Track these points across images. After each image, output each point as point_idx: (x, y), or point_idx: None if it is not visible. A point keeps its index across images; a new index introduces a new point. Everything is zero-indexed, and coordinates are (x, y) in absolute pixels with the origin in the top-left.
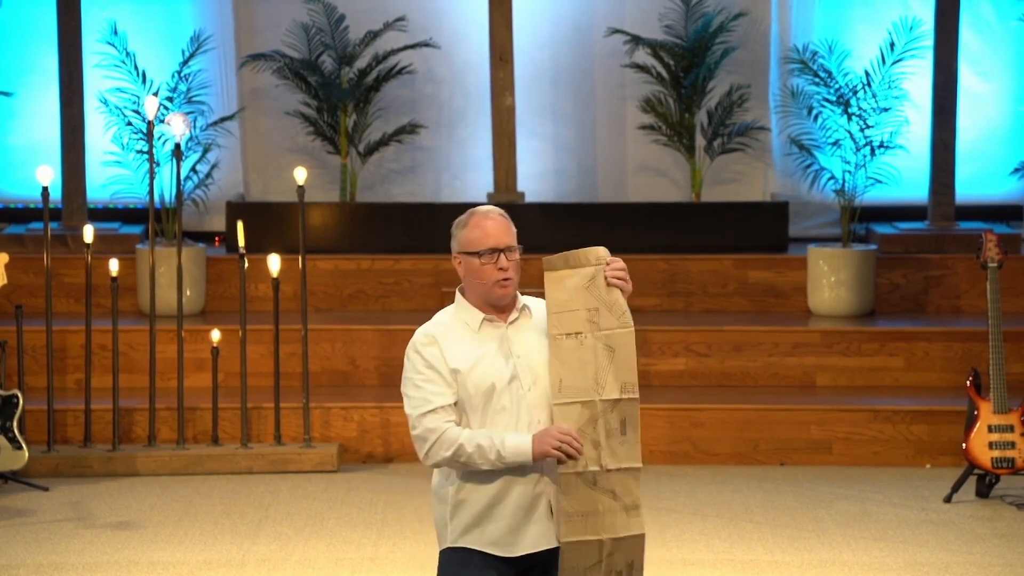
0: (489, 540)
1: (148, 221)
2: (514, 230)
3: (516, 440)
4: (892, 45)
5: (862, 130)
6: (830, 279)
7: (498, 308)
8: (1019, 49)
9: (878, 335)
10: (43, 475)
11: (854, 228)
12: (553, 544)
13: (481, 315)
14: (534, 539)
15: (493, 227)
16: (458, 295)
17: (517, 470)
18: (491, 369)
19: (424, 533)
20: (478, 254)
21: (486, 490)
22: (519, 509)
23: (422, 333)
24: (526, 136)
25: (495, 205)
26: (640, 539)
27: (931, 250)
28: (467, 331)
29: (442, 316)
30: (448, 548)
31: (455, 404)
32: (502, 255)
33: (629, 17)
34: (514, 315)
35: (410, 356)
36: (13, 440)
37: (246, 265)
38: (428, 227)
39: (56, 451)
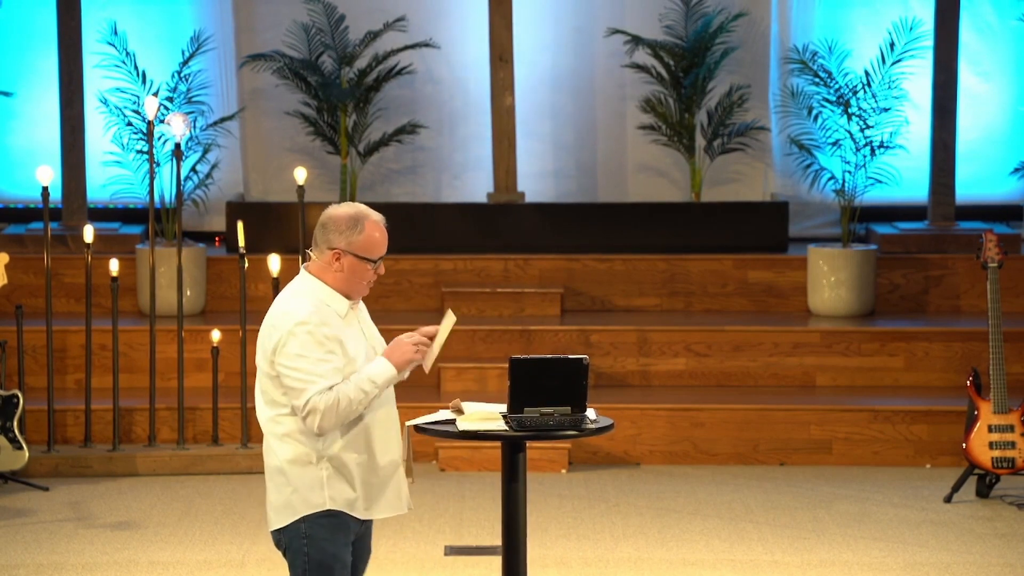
0: (360, 506)
1: (148, 221)
2: None
3: (376, 368)
4: (892, 45)
5: (862, 130)
6: (830, 279)
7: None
8: (1019, 49)
9: (878, 335)
10: (43, 475)
11: (854, 228)
12: (404, 511)
13: (347, 301)
14: (391, 505)
15: (383, 239)
16: (313, 278)
17: (388, 439)
18: (364, 352)
19: (423, 533)
20: (372, 262)
21: (367, 457)
22: (386, 477)
23: (313, 313)
24: (526, 136)
25: (495, 205)
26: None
27: (931, 250)
28: (337, 317)
29: (310, 298)
30: (317, 513)
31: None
32: (381, 263)
33: (629, 17)
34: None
35: (299, 336)
36: (13, 440)
37: (246, 265)
38: (428, 227)
39: (56, 451)
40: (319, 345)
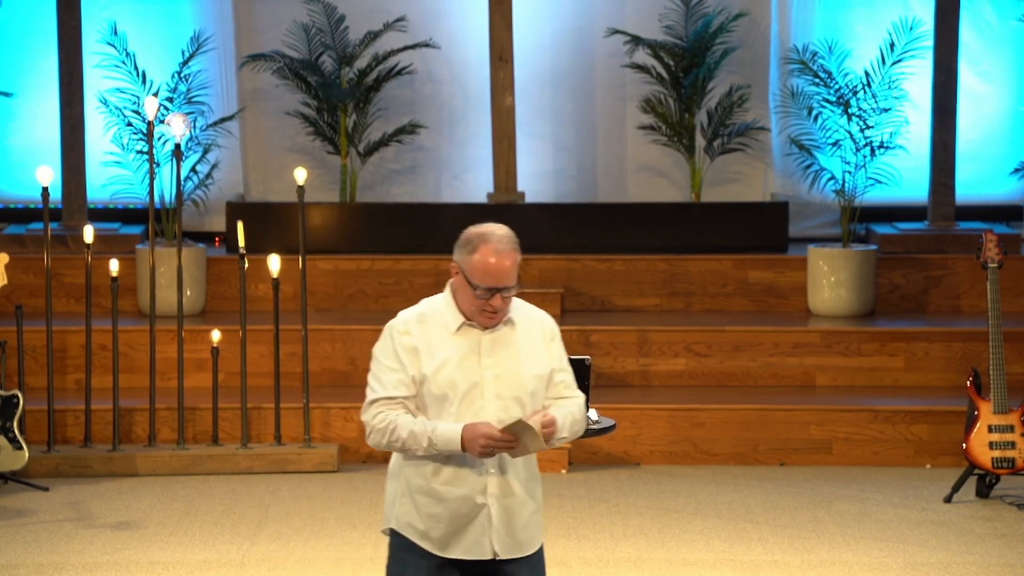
0: (424, 535)
1: (148, 221)
2: (519, 260)
3: (447, 428)
4: (892, 45)
5: (862, 130)
6: (830, 279)
7: None
8: (1019, 49)
9: (878, 335)
10: (43, 475)
11: (854, 228)
12: (486, 556)
13: (462, 319)
14: (468, 547)
15: (499, 270)
16: (448, 289)
17: (462, 475)
18: (454, 375)
19: None
20: (475, 287)
21: (433, 488)
22: (456, 515)
23: (403, 320)
24: (526, 136)
25: (495, 205)
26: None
27: (931, 250)
28: (444, 330)
29: (426, 306)
30: (391, 528)
31: (410, 397)
32: (498, 295)
33: (629, 17)
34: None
35: (384, 337)
36: (13, 440)
37: (246, 265)
38: (428, 227)
39: (56, 451)
40: (392, 353)
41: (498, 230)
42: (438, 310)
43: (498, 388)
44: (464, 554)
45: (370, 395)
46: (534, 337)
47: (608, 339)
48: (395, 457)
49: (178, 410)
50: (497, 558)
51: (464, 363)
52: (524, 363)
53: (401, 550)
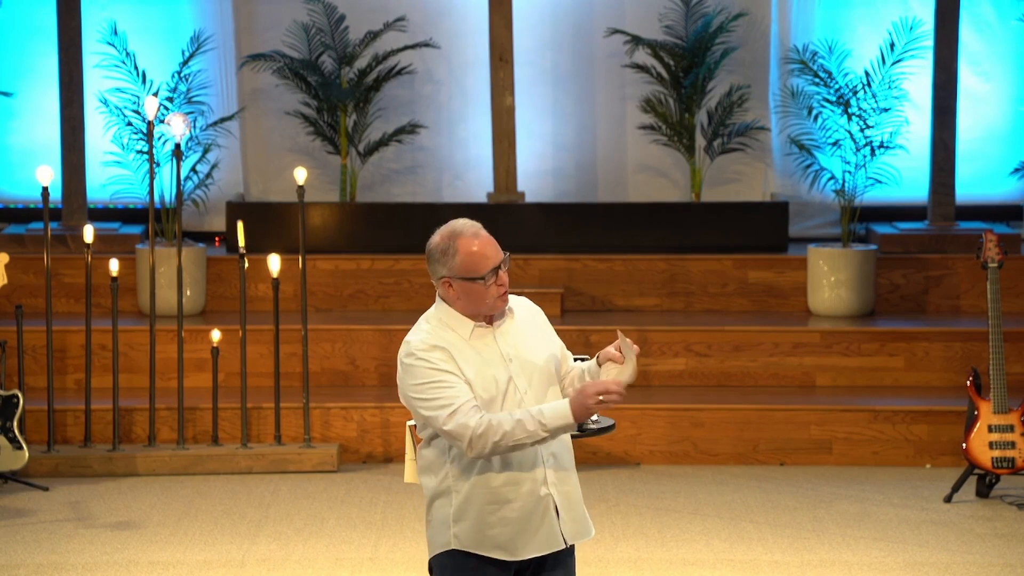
0: (494, 544)
1: (148, 221)
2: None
3: (553, 406)
4: (892, 45)
5: (862, 130)
6: (830, 279)
7: (487, 316)
8: (1019, 49)
9: (878, 335)
10: (43, 475)
11: (854, 228)
12: (559, 547)
13: (472, 323)
14: (540, 543)
15: (487, 247)
16: (442, 304)
17: (522, 471)
18: (490, 376)
19: (424, 533)
20: (482, 279)
21: (492, 493)
22: (525, 512)
23: (420, 340)
24: (526, 136)
25: (495, 205)
26: None
27: (931, 250)
28: (459, 340)
29: (429, 325)
30: (450, 551)
31: (476, 397)
32: (500, 271)
33: (629, 17)
34: (499, 319)
35: (412, 364)
36: (13, 440)
37: (246, 265)
38: (428, 227)
39: (56, 451)
40: (435, 369)
41: (457, 223)
42: (443, 325)
43: (528, 378)
44: (539, 550)
45: (444, 411)
46: (535, 321)
47: (608, 339)
48: (438, 478)
49: (178, 410)
50: (566, 545)
51: (492, 364)
52: (539, 347)
53: (462, 571)
